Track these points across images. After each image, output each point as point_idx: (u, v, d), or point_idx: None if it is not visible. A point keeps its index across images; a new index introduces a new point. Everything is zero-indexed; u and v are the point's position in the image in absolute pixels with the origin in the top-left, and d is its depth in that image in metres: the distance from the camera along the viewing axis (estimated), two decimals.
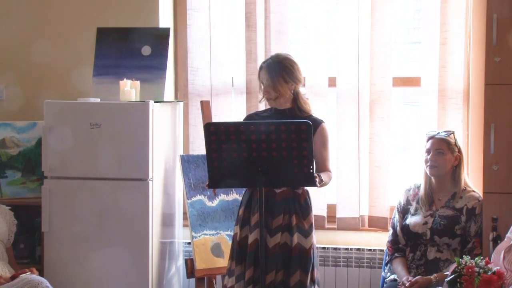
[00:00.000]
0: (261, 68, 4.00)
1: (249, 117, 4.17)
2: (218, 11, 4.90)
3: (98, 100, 4.50)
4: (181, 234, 4.88)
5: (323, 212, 4.77)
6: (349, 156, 4.72)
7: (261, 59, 4.74)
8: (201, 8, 4.90)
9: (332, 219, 4.82)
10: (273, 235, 3.87)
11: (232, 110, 4.94)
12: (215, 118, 4.78)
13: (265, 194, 3.70)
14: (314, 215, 4.06)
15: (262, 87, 3.98)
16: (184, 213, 4.82)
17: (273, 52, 4.59)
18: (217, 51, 4.90)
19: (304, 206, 3.93)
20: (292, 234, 3.87)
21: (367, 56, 4.69)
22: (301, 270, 3.87)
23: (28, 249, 4.74)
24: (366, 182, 4.73)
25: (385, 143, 4.69)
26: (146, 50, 4.66)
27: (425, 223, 4.06)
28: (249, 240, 3.89)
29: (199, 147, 4.91)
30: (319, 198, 4.69)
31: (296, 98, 3.99)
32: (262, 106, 4.52)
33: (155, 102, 4.39)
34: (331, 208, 4.82)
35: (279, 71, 3.92)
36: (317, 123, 3.95)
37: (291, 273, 3.86)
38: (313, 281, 3.91)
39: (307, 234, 3.90)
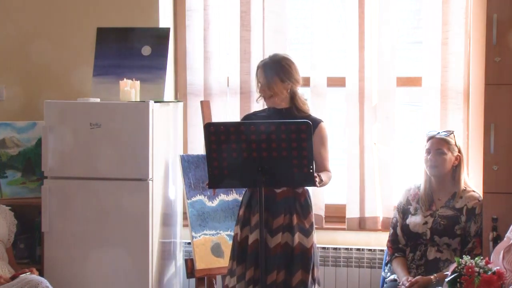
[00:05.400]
0: (258, 67, 4.02)
1: (247, 117, 4.17)
2: (214, 11, 4.90)
3: (98, 100, 4.49)
4: (181, 234, 4.88)
5: (321, 212, 4.77)
6: (354, 156, 4.72)
7: (256, 58, 4.74)
8: (197, 9, 4.91)
9: (339, 219, 4.83)
10: (274, 235, 3.87)
11: (227, 110, 4.93)
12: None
13: (266, 194, 3.70)
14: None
15: (259, 85, 4.00)
16: (184, 213, 4.82)
17: (270, 52, 4.60)
18: (212, 51, 4.91)
19: (304, 205, 3.93)
20: (293, 234, 3.88)
21: (371, 56, 4.69)
22: (303, 270, 3.88)
23: (28, 249, 4.74)
24: (371, 183, 4.74)
25: (390, 143, 4.70)
26: (146, 50, 4.65)
27: (425, 223, 4.06)
28: (250, 240, 3.90)
29: (197, 147, 4.92)
30: (318, 198, 4.70)
31: (293, 98, 3.99)
32: (257, 106, 4.52)
33: (155, 102, 4.39)
34: (339, 209, 4.84)
35: (275, 70, 3.93)
36: (316, 123, 3.95)
37: (293, 273, 3.87)
38: (313, 280, 3.92)
39: (308, 233, 3.91)
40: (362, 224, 4.74)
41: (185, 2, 4.95)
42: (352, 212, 4.74)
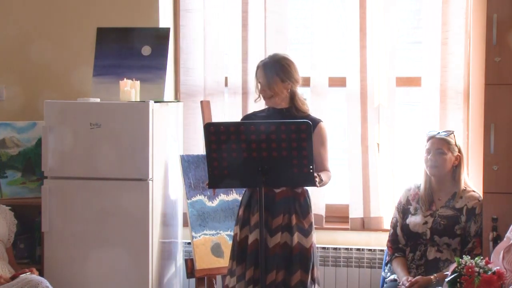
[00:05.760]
0: (258, 67, 4.02)
1: (247, 117, 4.18)
2: (213, 11, 4.90)
3: (98, 100, 4.49)
4: (181, 234, 4.88)
5: (322, 212, 4.77)
6: (356, 156, 4.72)
7: (256, 58, 4.74)
8: (194, 9, 4.91)
9: (341, 219, 4.84)
10: (273, 235, 3.87)
11: (224, 110, 4.93)
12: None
13: (265, 194, 3.70)
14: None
15: (259, 86, 4.00)
16: (184, 213, 4.82)
17: (271, 51, 4.59)
18: (211, 51, 4.91)
19: (303, 205, 3.93)
20: (292, 234, 3.88)
21: (372, 56, 4.69)
22: (302, 270, 3.87)
23: (28, 249, 4.74)
24: (374, 183, 4.73)
25: (391, 143, 4.69)
26: (146, 50, 4.65)
27: (425, 223, 4.06)
28: (249, 240, 3.90)
29: (193, 147, 4.92)
30: (318, 198, 4.70)
31: (293, 98, 3.99)
32: (256, 106, 4.55)
33: (155, 102, 4.39)
34: (342, 209, 4.85)
35: (275, 70, 3.94)
36: (315, 123, 3.95)
37: (292, 273, 3.87)
38: (313, 280, 3.92)
39: (307, 233, 3.91)
40: (366, 224, 4.74)
41: (180, 2, 4.95)
42: (355, 212, 4.74)
